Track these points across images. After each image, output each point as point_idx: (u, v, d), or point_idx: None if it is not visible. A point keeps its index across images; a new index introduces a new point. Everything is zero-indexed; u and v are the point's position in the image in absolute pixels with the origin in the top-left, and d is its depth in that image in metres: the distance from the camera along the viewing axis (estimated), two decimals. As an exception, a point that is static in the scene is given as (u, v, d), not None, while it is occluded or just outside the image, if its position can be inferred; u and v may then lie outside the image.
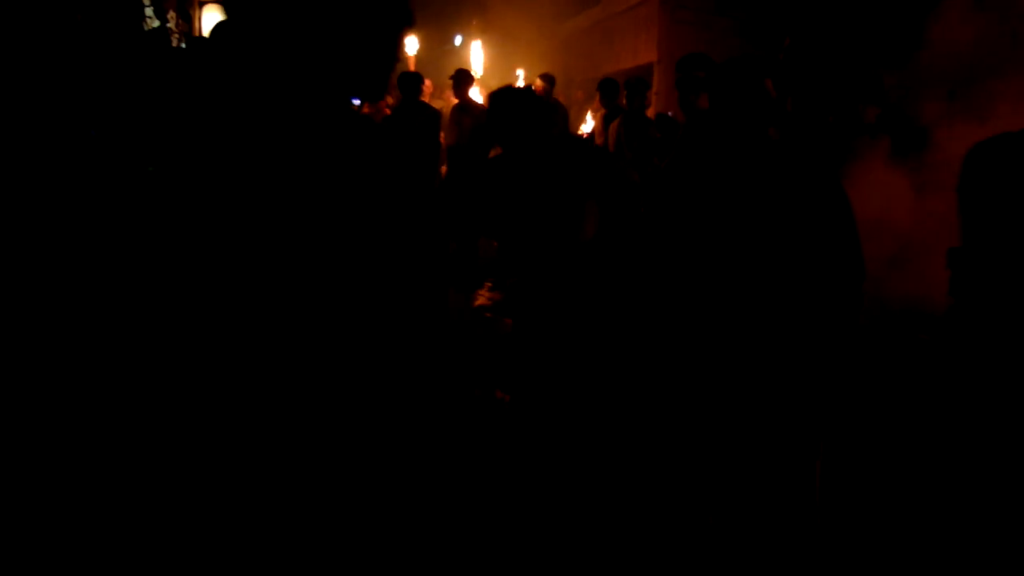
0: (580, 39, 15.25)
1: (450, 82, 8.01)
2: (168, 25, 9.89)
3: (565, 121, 7.99)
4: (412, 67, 8.40)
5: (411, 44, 9.13)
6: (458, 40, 16.75)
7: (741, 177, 2.41)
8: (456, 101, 7.80)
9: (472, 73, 8.09)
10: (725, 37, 8.58)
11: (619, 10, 13.26)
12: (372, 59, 0.91)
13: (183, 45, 9.67)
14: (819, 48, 7.12)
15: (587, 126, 8.26)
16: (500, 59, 12.85)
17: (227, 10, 0.91)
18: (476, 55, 10.90)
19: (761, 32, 7.95)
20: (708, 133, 2.59)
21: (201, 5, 10.61)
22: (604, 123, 6.89)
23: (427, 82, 8.59)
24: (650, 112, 7.94)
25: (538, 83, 8.05)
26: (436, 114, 7.36)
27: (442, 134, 7.46)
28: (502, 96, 3.02)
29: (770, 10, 8.07)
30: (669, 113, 7.83)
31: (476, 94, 7.99)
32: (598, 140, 7.02)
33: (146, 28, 7.07)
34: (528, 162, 2.96)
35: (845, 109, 5.79)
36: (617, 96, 6.85)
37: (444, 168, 7.65)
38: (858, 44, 6.63)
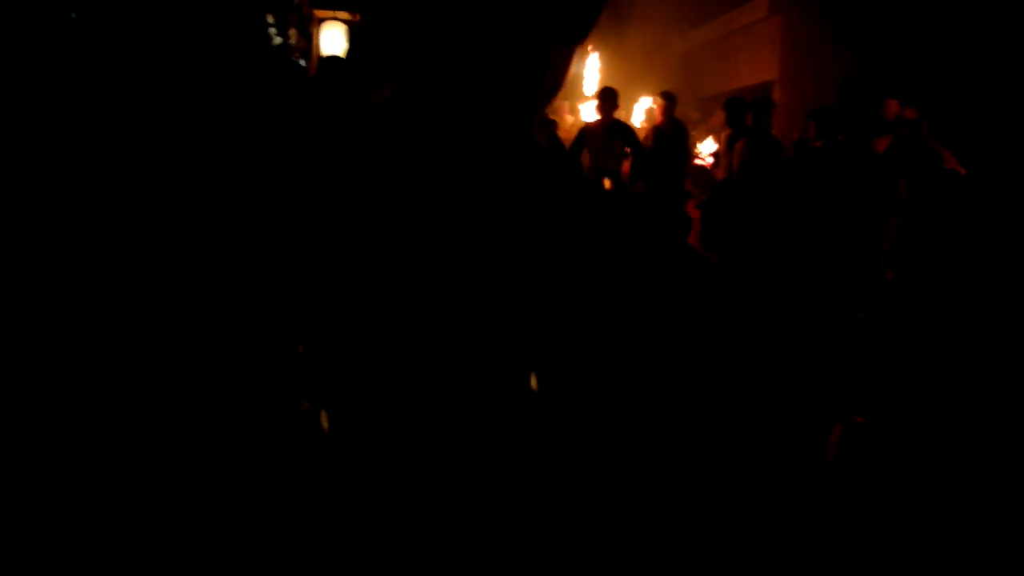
0: (697, 55, 14.87)
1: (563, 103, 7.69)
2: (289, 42, 10.10)
3: (686, 141, 7.68)
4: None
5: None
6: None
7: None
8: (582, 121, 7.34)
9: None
10: (848, 55, 8.11)
11: (739, 26, 12.86)
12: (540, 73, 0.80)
13: (302, 62, 9.86)
14: (958, 64, 6.61)
15: (707, 146, 7.95)
16: (610, 74, 12.59)
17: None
18: (591, 70, 10.68)
19: (887, 50, 7.47)
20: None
21: (320, 23, 10.80)
22: (728, 143, 6.58)
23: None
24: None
25: (658, 101, 7.76)
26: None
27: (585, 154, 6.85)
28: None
29: (897, 28, 7.59)
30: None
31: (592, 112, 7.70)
32: (723, 160, 6.71)
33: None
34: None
35: (992, 128, 5.31)
36: (744, 116, 6.53)
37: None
38: (1001, 59, 6.09)
